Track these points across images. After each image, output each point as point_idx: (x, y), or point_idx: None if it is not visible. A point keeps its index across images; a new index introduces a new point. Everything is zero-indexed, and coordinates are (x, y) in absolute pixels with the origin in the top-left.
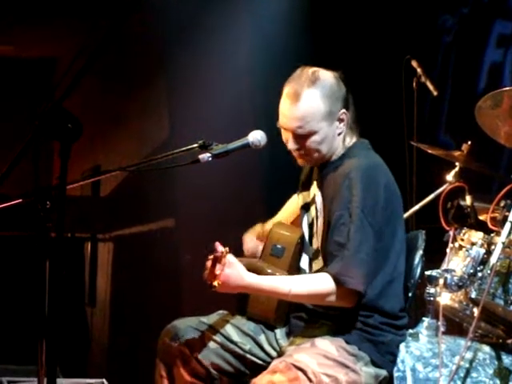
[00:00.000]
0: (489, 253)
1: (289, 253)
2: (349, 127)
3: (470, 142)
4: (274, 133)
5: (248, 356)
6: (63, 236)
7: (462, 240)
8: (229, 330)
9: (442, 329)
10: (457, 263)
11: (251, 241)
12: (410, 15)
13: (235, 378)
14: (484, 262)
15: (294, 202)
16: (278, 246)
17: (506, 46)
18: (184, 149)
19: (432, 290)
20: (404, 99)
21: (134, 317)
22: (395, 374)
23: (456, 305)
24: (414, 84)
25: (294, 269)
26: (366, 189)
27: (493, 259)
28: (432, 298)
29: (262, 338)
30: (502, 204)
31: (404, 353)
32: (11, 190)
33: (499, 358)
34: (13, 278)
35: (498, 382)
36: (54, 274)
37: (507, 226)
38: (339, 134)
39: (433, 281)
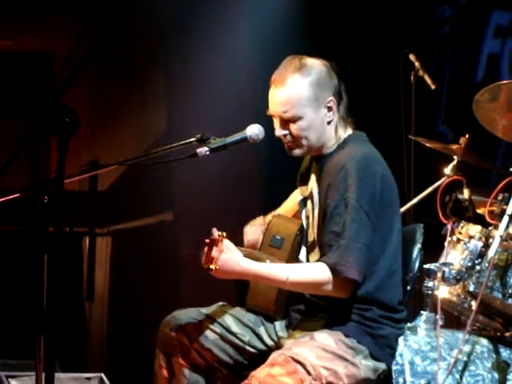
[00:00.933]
0: (487, 246)
1: (288, 244)
2: (341, 118)
3: (467, 136)
4: (272, 127)
5: (247, 347)
6: (61, 230)
7: (460, 233)
8: (228, 321)
9: (440, 322)
10: (455, 256)
11: (252, 232)
12: (408, 6)
13: (234, 370)
14: (482, 255)
15: (295, 195)
16: (278, 237)
17: (504, 36)
18: (182, 143)
19: (430, 284)
20: (402, 93)
21: (133, 311)
22: (393, 367)
23: (454, 298)
24: (412, 78)
25: (293, 260)
26: (361, 179)
27: (491, 252)
28: (430, 292)
29: (262, 330)
30: (500, 197)
31: (402, 346)
32: (9, 183)
33: (497, 351)
34: (11, 272)
35: (495, 375)
36: (52, 269)
37: (505, 219)
38: (329, 123)
39: (431, 274)
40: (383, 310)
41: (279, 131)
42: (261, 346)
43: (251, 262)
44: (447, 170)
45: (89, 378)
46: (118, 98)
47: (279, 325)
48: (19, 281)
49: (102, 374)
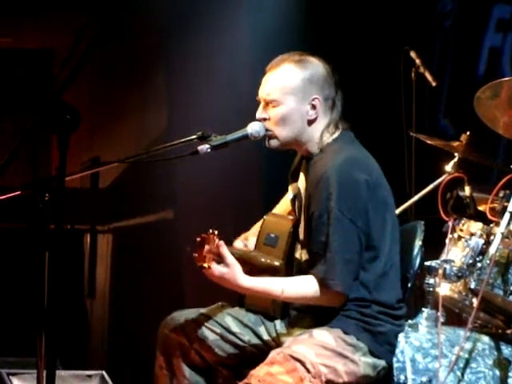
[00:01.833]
0: (488, 243)
1: (282, 241)
2: (331, 124)
3: (468, 133)
4: None
5: (247, 347)
6: (62, 228)
7: (461, 230)
8: (228, 321)
9: (441, 319)
10: (456, 254)
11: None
12: (409, 0)
13: (234, 369)
14: (483, 252)
15: (289, 193)
16: (272, 235)
17: (505, 30)
18: (183, 140)
19: (431, 281)
20: (403, 90)
21: (134, 308)
22: (395, 365)
23: (455, 295)
24: (413, 75)
25: (289, 257)
26: (343, 187)
27: (492, 249)
28: (431, 289)
29: (262, 329)
30: (501, 194)
31: (403, 343)
32: (10, 181)
33: (498, 349)
34: (12, 269)
35: (497, 372)
36: (53, 266)
37: (506, 216)
38: (310, 123)
39: (432, 271)
40: (381, 307)
41: (259, 113)
42: (261, 346)
43: (249, 279)
44: (448, 167)
45: (90, 376)
46: (119, 96)
47: (280, 324)
48: (20, 278)
49: (103, 372)
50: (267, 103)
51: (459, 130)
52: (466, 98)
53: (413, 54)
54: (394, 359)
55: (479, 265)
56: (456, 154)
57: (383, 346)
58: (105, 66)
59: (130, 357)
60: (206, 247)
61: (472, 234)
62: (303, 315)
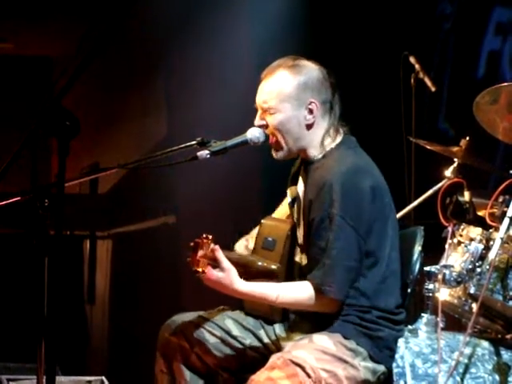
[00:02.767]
0: (487, 248)
1: (280, 245)
2: (331, 128)
3: (468, 138)
4: None
5: (248, 351)
6: (62, 234)
7: (461, 236)
8: (229, 324)
9: (440, 324)
10: (455, 259)
11: (242, 251)
12: (409, 3)
13: (235, 373)
14: (483, 257)
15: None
16: (269, 239)
17: (505, 33)
18: (183, 146)
19: (431, 286)
20: (402, 95)
21: (134, 314)
22: (394, 370)
23: (455, 300)
24: (412, 80)
25: (287, 261)
26: (346, 194)
27: (491, 255)
28: (431, 294)
29: (262, 333)
30: (501, 200)
31: (403, 349)
32: (9, 187)
33: (498, 354)
34: (11, 275)
35: (496, 377)
36: (52, 272)
37: (506, 221)
38: (309, 128)
39: (431, 276)
40: (381, 312)
41: (257, 121)
42: (261, 349)
43: (244, 284)
44: (448, 173)
45: (90, 382)
46: (119, 102)
47: (279, 327)
48: (20, 284)
49: (103, 378)
50: (264, 110)
51: (459, 132)
52: (466, 100)
53: (412, 60)
54: (394, 364)
55: (479, 270)
56: (455, 160)
57: (383, 351)
58: (104, 71)
59: (129, 362)
60: (200, 252)
61: (471, 239)
62: (303, 320)
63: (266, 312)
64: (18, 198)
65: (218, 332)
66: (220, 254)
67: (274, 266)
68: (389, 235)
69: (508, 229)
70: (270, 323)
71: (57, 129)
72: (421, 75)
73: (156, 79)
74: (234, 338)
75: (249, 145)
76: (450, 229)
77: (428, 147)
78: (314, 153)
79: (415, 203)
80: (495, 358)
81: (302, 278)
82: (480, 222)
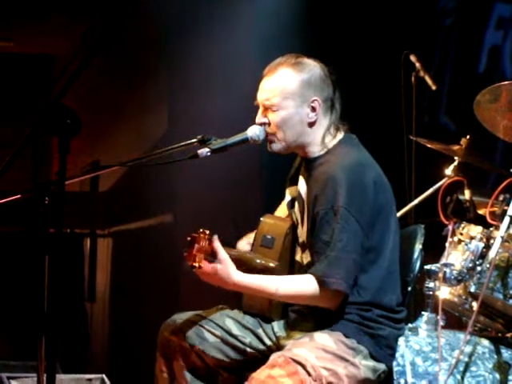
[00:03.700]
0: (488, 247)
1: (279, 243)
2: (331, 125)
3: (468, 136)
4: None
5: (248, 349)
6: (62, 232)
7: (461, 234)
8: (228, 323)
9: (441, 323)
10: (456, 257)
11: (242, 247)
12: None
13: (235, 372)
14: (483, 256)
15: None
16: (268, 237)
17: (506, 28)
18: (183, 144)
19: (431, 284)
20: (403, 93)
21: (134, 312)
22: (395, 368)
23: (455, 299)
24: (413, 79)
25: (286, 259)
26: (351, 187)
27: (492, 253)
28: (431, 292)
29: (261, 332)
30: (501, 198)
31: (403, 347)
32: (10, 185)
33: (498, 352)
34: (12, 273)
35: (497, 375)
36: (53, 270)
37: (506, 220)
38: (311, 126)
39: (432, 275)
40: (382, 311)
41: (259, 118)
42: (262, 348)
43: (242, 275)
44: (448, 171)
45: (90, 379)
46: (119, 100)
47: (277, 325)
48: (20, 282)
49: (104, 375)
50: (266, 108)
51: (460, 126)
52: (467, 95)
53: (413, 58)
54: (394, 363)
55: (479, 268)
56: (456, 158)
57: (383, 349)
58: (106, 69)
59: (130, 360)
60: (196, 246)
61: (472, 238)
62: (303, 318)
63: (264, 309)
64: (19, 196)
65: (218, 331)
66: (217, 245)
67: (272, 264)
68: (391, 231)
69: (508, 227)
70: (267, 321)
71: (57, 127)
72: (421, 74)
73: (157, 77)
74: (234, 337)
75: (249, 143)
76: (450, 227)
77: (428, 145)
78: (315, 150)
79: (416, 201)
80: (495, 356)
81: None
82: (480, 221)
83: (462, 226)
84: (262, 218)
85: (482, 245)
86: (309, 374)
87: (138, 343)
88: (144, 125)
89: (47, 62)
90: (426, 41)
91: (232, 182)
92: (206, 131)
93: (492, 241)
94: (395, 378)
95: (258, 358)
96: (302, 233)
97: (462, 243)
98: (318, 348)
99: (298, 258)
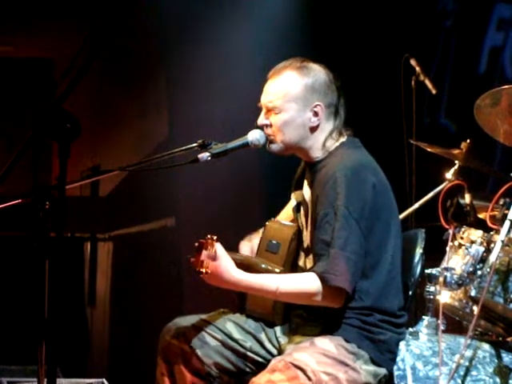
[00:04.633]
0: (488, 251)
1: (284, 248)
2: (334, 131)
3: (469, 140)
4: None
5: (249, 354)
6: (63, 236)
7: (462, 238)
8: (229, 327)
9: (441, 327)
10: (456, 261)
11: (246, 249)
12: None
13: (236, 376)
14: (483, 260)
15: (292, 202)
16: (274, 242)
17: (506, 29)
18: (183, 148)
19: (432, 289)
20: (403, 97)
21: (134, 317)
22: (395, 373)
23: (456, 303)
24: (413, 83)
25: (290, 265)
26: (351, 187)
27: (492, 257)
28: (432, 297)
29: (263, 336)
30: (502, 202)
31: (404, 351)
32: (10, 189)
33: (499, 356)
34: (12, 278)
35: (497, 380)
36: (53, 274)
37: (506, 224)
38: (313, 130)
39: (433, 279)
40: (384, 315)
41: (261, 120)
42: (262, 352)
43: (242, 273)
44: (448, 175)
45: None
46: (120, 104)
47: (280, 330)
48: (21, 287)
49: (104, 380)
50: (269, 110)
51: (460, 128)
52: (467, 96)
53: (413, 62)
54: (395, 367)
55: (480, 272)
56: (456, 162)
57: (384, 354)
58: (106, 73)
59: (130, 364)
60: (204, 252)
61: (472, 242)
62: (304, 322)
63: (268, 314)
64: (19, 201)
65: (219, 335)
66: (219, 247)
67: (277, 270)
68: (392, 235)
69: (509, 231)
70: (270, 326)
71: (57, 131)
72: (421, 78)
73: (157, 82)
74: (235, 341)
75: (249, 147)
76: (450, 231)
77: (429, 149)
78: (317, 154)
79: (416, 206)
80: (496, 360)
81: None
82: (481, 225)
83: (463, 230)
84: (267, 223)
85: (482, 249)
86: (309, 379)
87: (139, 347)
88: (144, 129)
89: (48, 67)
90: (426, 42)
91: (233, 186)
92: (206, 135)
93: (492, 245)
94: (396, 382)
95: (259, 363)
96: (307, 237)
97: (463, 247)
98: (319, 353)
99: (301, 263)
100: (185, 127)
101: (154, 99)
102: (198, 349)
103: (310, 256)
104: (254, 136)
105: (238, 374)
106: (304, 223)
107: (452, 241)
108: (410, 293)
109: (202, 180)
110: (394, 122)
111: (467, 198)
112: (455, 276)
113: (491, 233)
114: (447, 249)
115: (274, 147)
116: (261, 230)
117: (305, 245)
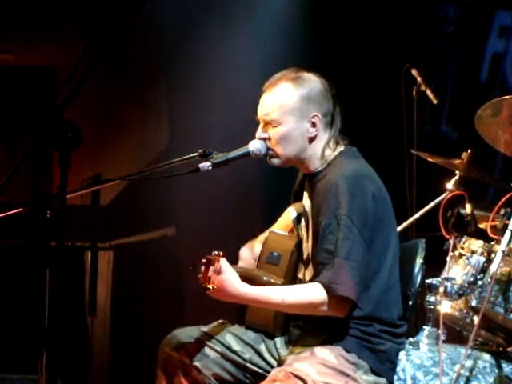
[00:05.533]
0: (489, 261)
1: (285, 260)
2: (331, 139)
3: (470, 150)
4: None
5: (248, 365)
6: (63, 245)
7: (462, 248)
8: (229, 339)
9: (442, 337)
10: (457, 271)
11: (247, 255)
12: (412, 7)
13: None
14: (484, 270)
15: (289, 213)
16: (275, 254)
17: (508, 36)
18: (184, 157)
19: (432, 299)
20: (404, 107)
21: (135, 326)
22: (396, 383)
23: (456, 313)
24: (414, 93)
25: (291, 277)
26: (352, 196)
27: (493, 267)
28: (432, 307)
29: (262, 347)
30: (502, 212)
31: (405, 361)
32: (11, 198)
33: (499, 367)
34: (13, 287)
35: None
36: (54, 283)
37: (507, 234)
38: (311, 141)
39: (433, 289)
40: (383, 325)
41: (259, 134)
42: (262, 364)
43: (247, 286)
44: (449, 185)
45: None
46: (120, 113)
47: (280, 341)
48: (21, 295)
49: None
50: (266, 123)
51: (462, 135)
52: (469, 103)
53: (414, 72)
54: (395, 377)
55: (480, 283)
56: (457, 172)
57: (384, 364)
58: (106, 82)
59: (130, 374)
60: (212, 268)
61: (473, 252)
62: (304, 333)
63: (268, 325)
64: (20, 210)
65: (219, 347)
66: (223, 261)
67: (279, 282)
68: (391, 245)
69: (509, 241)
70: (270, 337)
71: (58, 140)
72: (423, 88)
73: (158, 91)
74: (235, 352)
75: (250, 157)
76: (451, 241)
77: (429, 159)
78: (316, 165)
79: (417, 215)
80: (496, 370)
81: None
82: (481, 235)
83: (463, 240)
84: (268, 234)
85: (483, 259)
86: None
87: (139, 356)
88: (145, 138)
89: (49, 74)
90: (427, 50)
91: (232, 196)
92: (207, 145)
93: (493, 255)
94: None
95: (259, 374)
96: (307, 248)
97: (463, 257)
98: (319, 363)
99: (300, 275)
100: (186, 136)
101: (154, 108)
102: (198, 361)
103: (310, 267)
104: (255, 146)
105: None
106: (305, 234)
107: (453, 251)
108: (411, 303)
109: (202, 189)
110: (394, 131)
111: (468, 208)
112: (456, 286)
113: (492, 243)
114: (448, 259)
115: (275, 161)
116: (262, 236)
117: (304, 256)
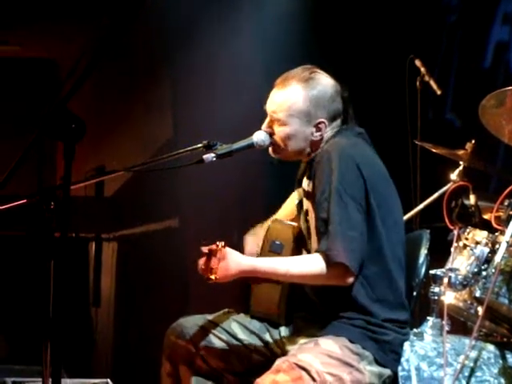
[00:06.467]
0: (493, 252)
1: (288, 248)
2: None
3: (473, 141)
4: None
5: (253, 354)
6: (67, 236)
7: (467, 239)
8: (234, 327)
9: (446, 328)
10: (461, 262)
11: (252, 242)
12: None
13: (240, 376)
14: (488, 260)
15: (293, 199)
16: (277, 242)
17: None
18: (188, 149)
19: (436, 289)
20: (408, 98)
21: (139, 316)
22: (400, 374)
23: (460, 304)
24: (418, 83)
25: None
26: (344, 163)
27: (497, 258)
28: (436, 297)
29: (268, 337)
30: (506, 203)
31: (409, 352)
32: (15, 189)
33: (504, 357)
34: (17, 278)
35: (502, 380)
36: (58, 274)
37: (511, 224)
38: (314, 143)
39: (437, 280)
40: (387, 316)
41: (265, 126)
42: (267, 353)
43: (252, 259)
44: (453, 176)
45: None
46: (124, 105)
47: (284, 331)
48: (25, 287)
49: (109, 380)
50: (273, 120)
51: (465, 123)
52: (473, 91)
53: (418, 63)
54: (400, 368)
55: (484, 273)
56: (461, 163)
57: (388, 354)
58: (110, 74)
59: (135, 365)
60: (214, 259)
61: (477, 243)
62: (308, 323)
63: (272, 314)
64: (24, 201)
65: (224, 335)
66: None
67: None
68: (390, 224)
69: None
70: (275, 326)
71: (62, 132)
72: (426, 78)
73: (161, 82)
74: (240, 341)
75: (254, 148)
76: (455, 232)
77: (433, 150)
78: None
79: (421, 206)
80: (501, 361)
81: None
82: (486, 226)
83: (468, 230)
84: (270, 223)
85: (487, 250)
86: (313, 380)
87: (143, 347)
88: (149, 130)
89: (52, 67)
90: (430, 37)
91: (236, 187)
92: (211, 136)
93: (497, 246)
94: (400, 382)
95: (264, 363)
96: (309, 235)
97: (468, 248)
98: (323, 353)
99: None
100: (189, 128)
101: (158, 100)
102: (203, 349)
103: (314, 238)
104: (259, 137)
105: (242, 374)
106: (310, 217)
107: (457, 241)
108: (415, 293)
109: (206, 180)
110: (398, 122)
111: (472, 199)
112: (460, 277)
113: (496, 234)
114: (452, 249)
115: (276, 155)
116: (266, 224)
117: (309, 241)
